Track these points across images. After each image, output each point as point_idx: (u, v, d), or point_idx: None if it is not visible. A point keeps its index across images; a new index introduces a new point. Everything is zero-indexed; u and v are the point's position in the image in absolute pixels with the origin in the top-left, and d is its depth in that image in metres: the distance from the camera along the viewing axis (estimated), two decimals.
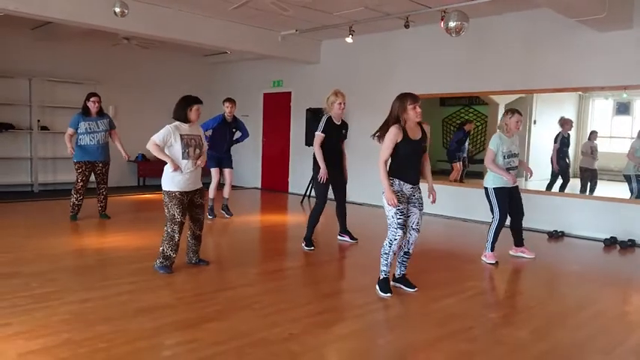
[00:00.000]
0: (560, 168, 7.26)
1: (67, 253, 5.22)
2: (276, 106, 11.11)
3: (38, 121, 9.61)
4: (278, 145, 11.08)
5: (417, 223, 4.13)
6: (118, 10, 6.10)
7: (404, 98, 4.00)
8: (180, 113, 4.39)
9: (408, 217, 4.08)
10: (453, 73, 8.05)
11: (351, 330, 3.40)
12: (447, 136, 8.47)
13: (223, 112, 7.27)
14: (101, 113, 6.79)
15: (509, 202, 5.20)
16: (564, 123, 7.16)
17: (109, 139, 6.88)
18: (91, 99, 6.69)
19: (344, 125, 5.76)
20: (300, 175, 10.36)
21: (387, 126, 4.03)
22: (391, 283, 4.19)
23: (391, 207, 3.96)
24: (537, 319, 3.71)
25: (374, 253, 5.70)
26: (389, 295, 4.02)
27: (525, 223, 5.49)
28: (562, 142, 7.22)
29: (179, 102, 4.43)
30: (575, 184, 7.15)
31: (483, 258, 5.28)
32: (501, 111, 8.36)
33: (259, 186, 11.51)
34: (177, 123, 4.42)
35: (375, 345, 3.18)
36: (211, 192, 7.30)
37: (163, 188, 4.40)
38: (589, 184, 7.11)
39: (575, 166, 7.19)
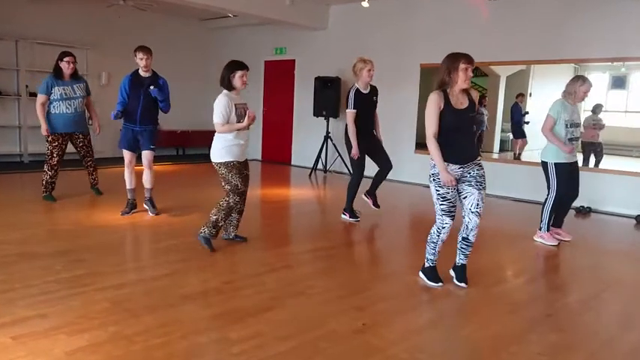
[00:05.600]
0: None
1: (84, 230, 4.75)
2: (279, 75, 10.60)
3: (27, 86, 8.94)
4: (280, 115, 10.61)
5: (477, 205, 3.45)
6: None
7: (456, 58, 3.39)
8: (225, 81, 4.10)
9: (455, 204, 3.46)
10: (465, 42, 7.66)
11: (426, 319, 3.11)
12: None
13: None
14: (76, 76, 5.79)
15: (567, 179, 4.77)
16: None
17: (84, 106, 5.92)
18: (65, 59, 5.63)
19: (374, 92, 5.43)
20: (305, 147, 9.96)
21: None
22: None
23: (436, 190, 3.42)
24: (614, 305, 3.49)
25: (419, 233, 5.35)
26: (439, 284, 3.52)
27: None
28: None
29: (223, 69, 4.13)
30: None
31: (538, 239, 4.89)
32: (502, 83, 8.09)
33: (259, 158, 11.07)
34: (225, 92, 4.12)
35: (459, 337, 2.89)
36: (127, 180, 5.31)
37: (219, 160, 4.11)
38: (594, 158, 6.96)
39: None
